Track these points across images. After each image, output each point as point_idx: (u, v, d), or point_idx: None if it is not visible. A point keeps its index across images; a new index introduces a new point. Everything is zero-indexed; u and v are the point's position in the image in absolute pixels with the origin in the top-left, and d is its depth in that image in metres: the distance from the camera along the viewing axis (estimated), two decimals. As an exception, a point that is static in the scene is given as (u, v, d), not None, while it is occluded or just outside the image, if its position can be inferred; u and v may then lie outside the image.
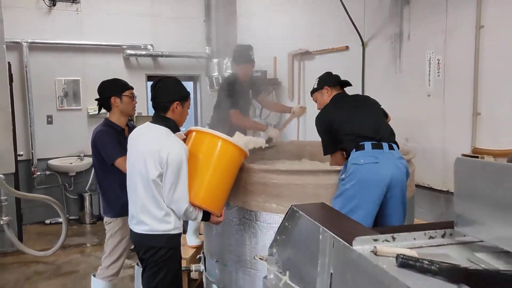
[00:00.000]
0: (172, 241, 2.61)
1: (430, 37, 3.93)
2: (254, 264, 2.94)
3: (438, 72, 3.89)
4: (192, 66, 6.95)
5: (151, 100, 2.74)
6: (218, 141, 2.73)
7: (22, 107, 5.89)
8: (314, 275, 1.61)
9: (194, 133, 2.80)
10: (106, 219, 3.33)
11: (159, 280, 2.60)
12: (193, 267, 3.59)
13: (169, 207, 2.55)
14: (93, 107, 6.35)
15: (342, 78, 3.11)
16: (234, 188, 2.90)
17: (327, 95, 3.03)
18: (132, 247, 3.47)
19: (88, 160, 6.33)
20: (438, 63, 3.88)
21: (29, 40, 5.85)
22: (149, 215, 2.56)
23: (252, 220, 2.94)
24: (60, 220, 6.11)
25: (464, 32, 3.63)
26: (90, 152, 6.25)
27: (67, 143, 6.26)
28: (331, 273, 1.52)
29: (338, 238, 1.41)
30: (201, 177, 2.64)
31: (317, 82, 3.13)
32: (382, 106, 3.06)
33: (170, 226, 2.57)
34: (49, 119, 6.17)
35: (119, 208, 3.21)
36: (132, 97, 3.27)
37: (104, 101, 3.23)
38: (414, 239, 1.33)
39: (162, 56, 6.69)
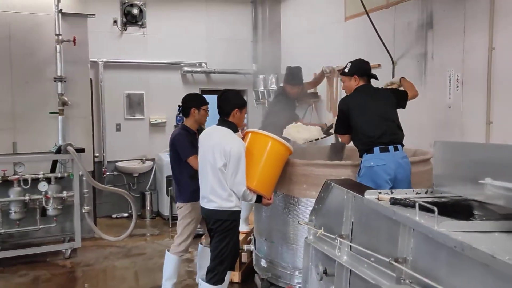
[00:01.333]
0: (234, 215, 3.39)
1: (450, 57, 4.59)
2: (296, 240, 3.68)
3: (457, 87, 4.53)
4: (240, 81, 7.83)
5: (217, 107, 3.56)
6: (269, 140, 3.52)
7: (96, 116, 6.90)
8: (340, 226, 2.35)
9: (250, 134, 3.61)
10: (178, 204, 4.14)
11: (224, 245, 3.38)
12: (245, 247, 4.36)
13: (231, 190, 3.33)
14: (155, 117, 7.36)
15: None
16: (280, 179, 3.67)
17: (354, 83, 3.58)
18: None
19: (149, 164, 7.29)
20: (457, 79, 4.52)
21: (104, 60, 6.91)
22: (216, 195, 3.36)
23: (295, 205, 3.69)
24: (125, 215, 7.11)
25: (478, 53, 4.27)
26: (150, 156, 7.26)
27: (131, 148, 7.23)
28: (352, 222, 2.25)
29: (357, 194, 2.15)
30: (255, 168, 3.43)
31: (349, 67, 3.63)
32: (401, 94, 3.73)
33: (232, 204, 3.36)
34: (117, 127, 7.17)
35: (189, 195, 4.02)
36: (207, 111, 4.07)
37: (184, 109, 4.04)
38: (406, 193, 2.04)
39: (214, 72, 7.61)
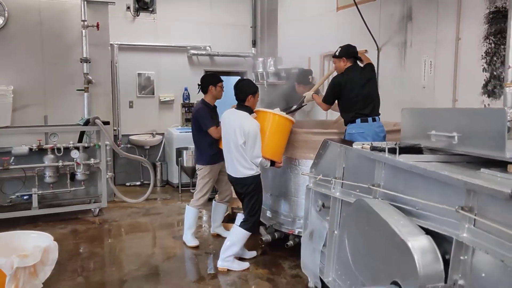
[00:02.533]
0: (256, 179, 4.27)
1: (425, 45, 5.47)
2: (296, 194, 4.57)
3: (430, 71, 5.43)
4: (240, 63, 8.66)
5: (234, 94, 4.38)
6: (272, 116, 4.36)
7: (112, 94, 7.65)
8: (334, 171, 3.24)
9: (260, 112, 4.44)
10: (198, 166, 5.01)
11: (253, 202, 4.28)
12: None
13: (250, 161, 4.19)
14: (164, 95, 8.15)
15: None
16: (285, 144, 4.54)
17: (343, 64, 4.38)
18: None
19: (159, 137, 8.11)
20: (431, 64, 5.42)
21: (119, 42, 7.64)
22: (240, 165, 4.22)
23: (296, 165, 4.57)
24: (137, 183, 7.95)
25: (448, 42, 5.16)
26: (160, 131, 8.07)
27: (143, 123, 8.05)
28: (343, 167, 3.15)
29: (348, 146, 3.04)
30: (267, 140, 4.27)
31: (339, 50, 4.43)
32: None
33: (253, 171, 4.23)
34: (130, 104, 7.97)
35: (208, 159, 4.89)
36: (222, 87, 4.90)
37: (203, 87, 4.86)
38: (381, 145, 2.93)
39: (217, 55, 8.41)
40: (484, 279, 1.83)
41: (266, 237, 4.76)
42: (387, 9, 6.06)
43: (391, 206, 2.39)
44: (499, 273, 1.76)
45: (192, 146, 7.50)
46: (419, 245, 2.01)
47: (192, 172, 7.54)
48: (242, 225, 4.32)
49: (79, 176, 6.16)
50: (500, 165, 2.08)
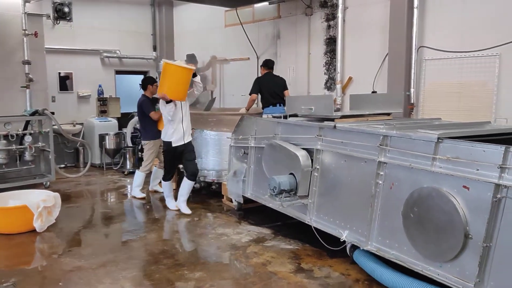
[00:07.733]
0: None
1: (289, 56, 8.40)
2: (214, 155, 7.04)
3: (293, 73, 8.36)
4: (144, 64, 10.72)
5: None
6: (169, 66, 6.67)
7: (38, 90, 9.12)
8: (249, 133, 5.83)
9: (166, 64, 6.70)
10: (143, 142, 7.14)
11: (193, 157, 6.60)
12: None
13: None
14: (81, 91, 9.84)
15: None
16: (203, 122, 6.97)
17: (263, 70, 7.23)
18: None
19: (79, 126, 9.77)
20: (293, 69, 8.35)
21: (43, 46, 9.12)
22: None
23: (214, 136, 7.04)
24: (62, 165, 9.53)
25: (303, 55, 8.14)
26: (79, 121, 9.76)
27: (64, 114, 9.61)
28: (255, 129, 5.76)
29: (258, 117, 5.66)
30: (168, 85, 6.48)
31: (263, 62, 7.30)
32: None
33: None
34: (53, 99, 9.49)
35: (151, 136, 7.06)
36: (157, 86, 7.09)
37: (144, 85, 7.02)
38: (277, 115, 5.59)
39: (125, 57, 10.37)
40: (326, 163, 4.60)
41: (196, 185, 7.15)
42: (263, 29, 8.87)
43: (286, 142, 5.05)
44: (331, 159, 4.53)
45: (112, 132, 9.44)
46: (301, 154, 4.71)
47: (114, 153, 9.46)
48: (190, 177, 6.66)
49: (27, 157, 7.69)
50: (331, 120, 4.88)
